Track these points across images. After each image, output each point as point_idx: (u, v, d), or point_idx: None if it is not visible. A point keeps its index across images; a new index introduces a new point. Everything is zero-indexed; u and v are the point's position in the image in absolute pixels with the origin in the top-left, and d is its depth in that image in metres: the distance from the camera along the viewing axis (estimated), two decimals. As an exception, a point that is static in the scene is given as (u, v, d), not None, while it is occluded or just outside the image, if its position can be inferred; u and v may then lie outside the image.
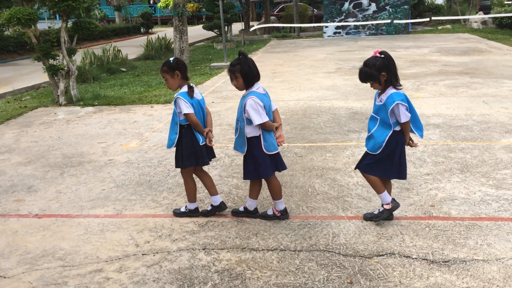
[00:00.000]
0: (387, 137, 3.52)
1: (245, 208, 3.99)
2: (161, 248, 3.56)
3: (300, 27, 23.88)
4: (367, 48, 16.37)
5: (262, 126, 3.62)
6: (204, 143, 3.85)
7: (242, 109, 3.65)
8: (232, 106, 8.30)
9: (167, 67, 3.77)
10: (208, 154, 3.94)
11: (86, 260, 3.43)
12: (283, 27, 25.14)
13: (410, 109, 3.54)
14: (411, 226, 3.71)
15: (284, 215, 3.92)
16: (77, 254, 3.53)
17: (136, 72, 13.79)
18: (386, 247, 3.41)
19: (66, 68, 8.98)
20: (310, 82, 10.29)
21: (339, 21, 21.45)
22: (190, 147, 3.81)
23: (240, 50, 3.69)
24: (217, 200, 4.03)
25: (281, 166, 3.81)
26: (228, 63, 13.92)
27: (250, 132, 3.67)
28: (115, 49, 14.97)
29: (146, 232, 3.82)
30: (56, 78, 9.13)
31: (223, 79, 11.51)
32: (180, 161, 3.87)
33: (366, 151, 3.75)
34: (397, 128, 3.54)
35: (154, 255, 3.46)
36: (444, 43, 16.54)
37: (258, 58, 15.45)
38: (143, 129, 7.09)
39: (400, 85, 3.54)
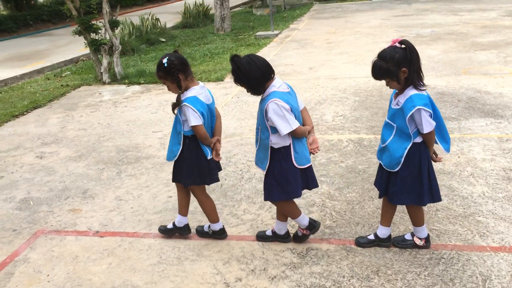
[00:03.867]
0: (406, 151, 2.76)
1: (273, 232, 3.26)
2: (259, 290, 2.82)
3: (344, -11, 22.28)
4: (425, 11, 14.93)
5: (292, 134, 2.82)
6: (211, 156, 3.08)
7: (263, 115, 2.83)
8: (293, 85, 7.36)
9: (163, 72, 2.95)
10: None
11: (168, 307, 2.73)
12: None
13: (435, 115, 2.74)
14: None
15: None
16: (155, 295, 2.84)
17: (176, 43, 12.96)
18: (563, 301, 2.56)
19: (109, 42, 8.21)
20: (374, 54, 8.98)
21: (388, -18, 19.79)
22: (194, 163, 3.06)
23: (232, 54, 2.84)
24: (217, 226, 3.34)
25: (312, 183, 3.01)
26: (276, 32, 13.06)
27: (277, 142, 2.86)
28: (153, 17, 14.11)
29: (234, 264, 3.08)
30: (98, 54, 8.39)
31: (274, 51, 10.54)
32: (180, 178, 3.13)
33: (384, 169, 2.90)
34: (418, 140, 2.75)
35: (253, 302, 2.72)
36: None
37: (306, 25, 14.31)
38: (199, 114, 6.30)
39: (424, 85, 2.70)
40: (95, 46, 8.20)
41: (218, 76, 8.32)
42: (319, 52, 9.83)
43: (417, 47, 2.75)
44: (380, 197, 3.04)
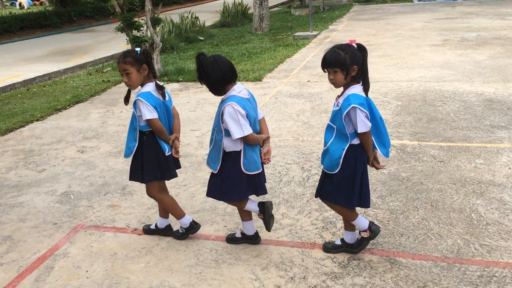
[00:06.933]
0: (344, 152, 2.75)
1: (243, 233, 3.29)
2: (298, 299, 2.73)
3: (385, -10, 21.85)
4: (470, 15, 14.43)
5: (244, 140, 2.84)
6: (170, 153, 3.11)
7: (219, 117, 2.85)
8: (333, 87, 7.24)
9: (133, 58, 2.97)
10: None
11: (206, 311, 2.68)
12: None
13: (373, 117, 2.75)
14: None
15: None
16: (192, 298, 2.79)
17: (214, 41, 13.01)
18: None
19: (150, 40, 8.30)
20: (417, 58, 8.94)
21: (432, -17, 19.27)
22: (153, 158, 3.11)
23: (199, 52, 2.83)
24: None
25: (260, 190, 3.02)
26: (315, 33, 12.89)
27: (229, 146, 2.89)
28: (193, 16, 14.22)
29: (273, 270, 3.01)
30: (139, 50, 8.49)
31: (312, 52, 10.42)
32: (139, 175, 3.17)
33: (323, 170, 2.91)
34: (356, 141, 2.76)
35: (292, 312, 2.64)
36: None
37: (345, 27, 14.10)
38: (237, 114, 6.26)
39: (366, 90, 2.75)
40: (137, 43, 8.30)
41: (257, 76, 8.27)
42: (359, 54, 9.62)
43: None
44: (316, 196, 3.01)
